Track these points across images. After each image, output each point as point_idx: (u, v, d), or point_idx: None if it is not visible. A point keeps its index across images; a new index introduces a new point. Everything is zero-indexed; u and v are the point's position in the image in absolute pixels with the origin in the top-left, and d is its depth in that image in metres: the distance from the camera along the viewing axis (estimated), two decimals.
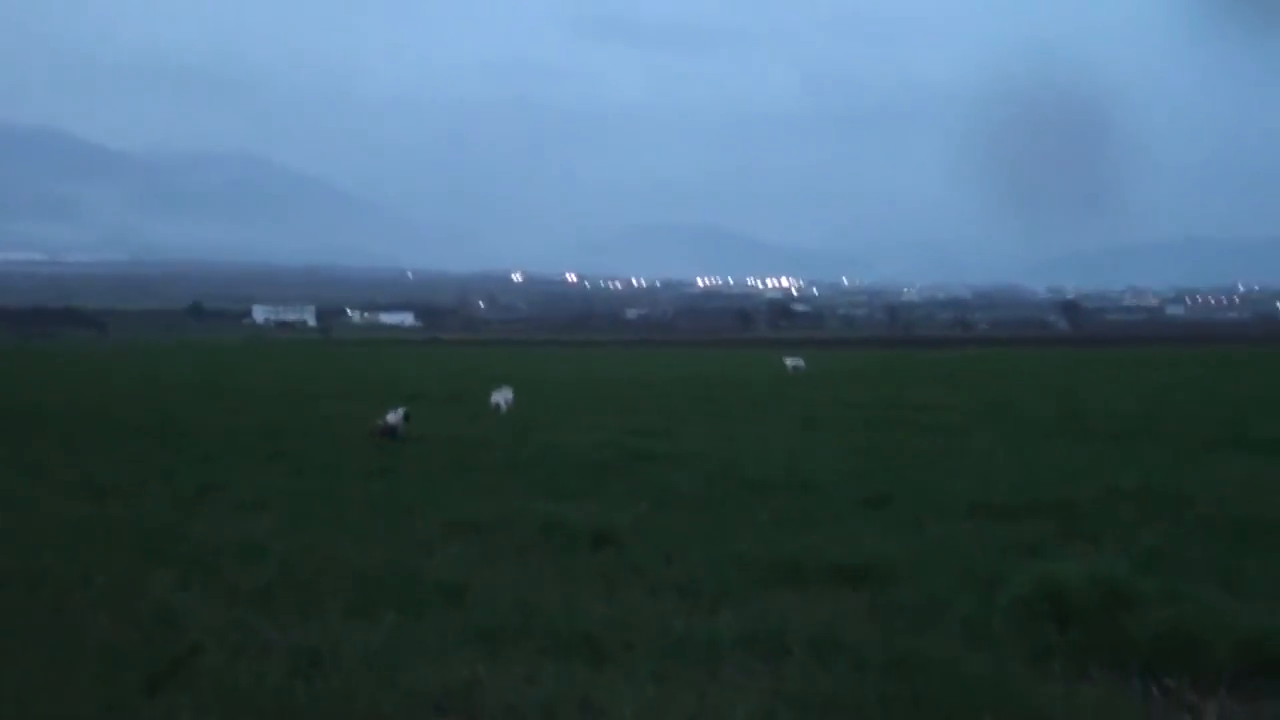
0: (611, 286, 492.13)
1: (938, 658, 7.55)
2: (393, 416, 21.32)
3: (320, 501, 13.89)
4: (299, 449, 19.74)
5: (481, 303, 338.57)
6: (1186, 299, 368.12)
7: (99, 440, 21.73)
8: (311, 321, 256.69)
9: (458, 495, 14.24)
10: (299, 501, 13.91)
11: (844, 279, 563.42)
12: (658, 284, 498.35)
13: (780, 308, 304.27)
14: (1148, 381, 41.65)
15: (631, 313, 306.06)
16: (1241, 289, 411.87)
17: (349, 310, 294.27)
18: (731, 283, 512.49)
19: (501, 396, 26.36)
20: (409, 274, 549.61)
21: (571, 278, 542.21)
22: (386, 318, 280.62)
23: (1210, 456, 17.95)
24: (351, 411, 28.48)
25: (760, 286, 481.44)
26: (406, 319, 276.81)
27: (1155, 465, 16.23)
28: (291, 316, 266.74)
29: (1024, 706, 6.66)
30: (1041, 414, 26.81)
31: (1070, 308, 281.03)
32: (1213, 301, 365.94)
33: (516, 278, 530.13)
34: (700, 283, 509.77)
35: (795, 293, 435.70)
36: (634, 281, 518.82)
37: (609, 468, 16.90)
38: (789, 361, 52.56)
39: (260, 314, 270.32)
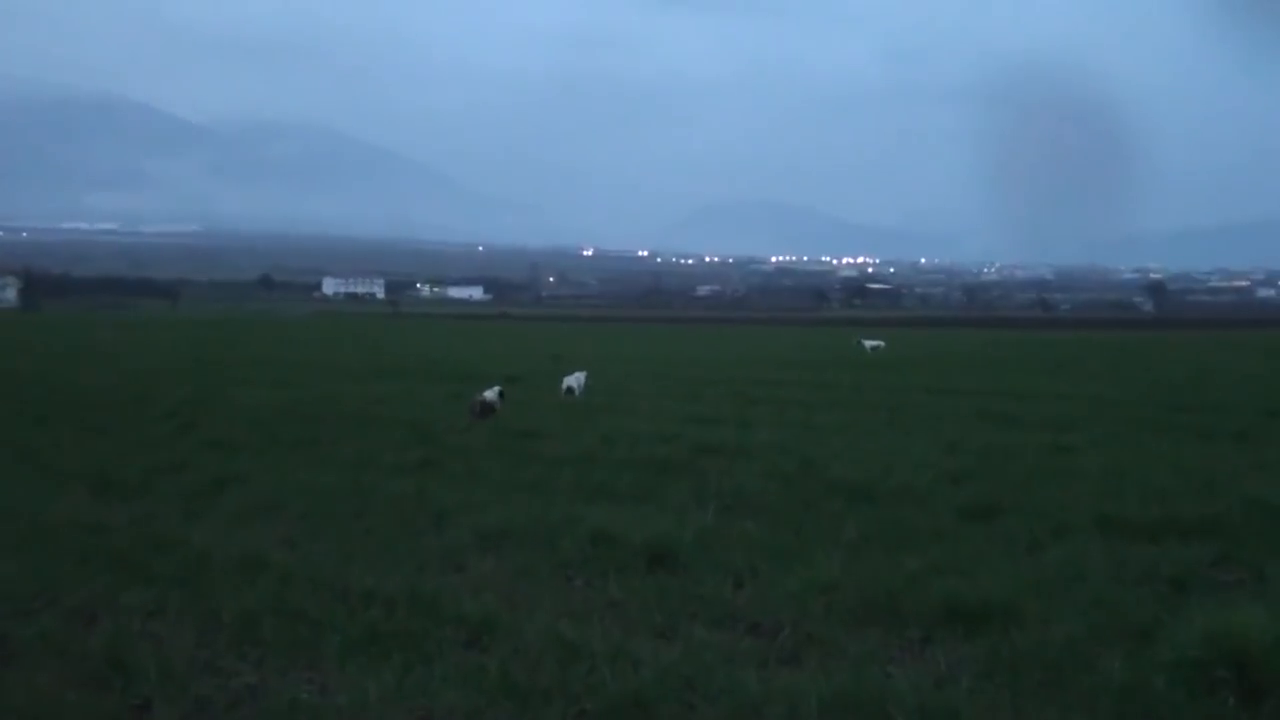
0: (683, 264, 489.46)
1: None
2: (490, 394, 21.06)
3: (342, 501, 12.37)
4: (332, 435, 18.22)
5: (551, 278, 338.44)
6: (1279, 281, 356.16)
7: (123, 423, 20.42)
8: (380, 294, 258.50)
9: (498, 496, 12.59)
10: (318, 501, 12.38)
11: (921, 259, 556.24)
12: (730, 260, 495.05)
13: (856, 286, 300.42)
14: (1251, 368, 38.95)
15: (703, 289, 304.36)
16: None
17: (418, 284, 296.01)
18: (806, 260, 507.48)
19: (574, 380, 25.49)
20: (480, 248, 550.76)
21: (643, 254, 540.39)
22: (455, 291, 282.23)
23: None
24: (396, 392, 27.13)
25: (834, 264, 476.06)
26: (475, 293, 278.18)
27: None
28: (361, 289, 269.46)
29: None
30: (1149, 406, 24.59)
31: (1156, 289, 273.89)
32: None
33: (587, 253, 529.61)
34: (774, 260, 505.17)
35: (870, 271, 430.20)
36: (706, 258, 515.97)
37: (670, 463, 15.16)
38: (868, 343, 50.79)
39: (330, 286, 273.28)
